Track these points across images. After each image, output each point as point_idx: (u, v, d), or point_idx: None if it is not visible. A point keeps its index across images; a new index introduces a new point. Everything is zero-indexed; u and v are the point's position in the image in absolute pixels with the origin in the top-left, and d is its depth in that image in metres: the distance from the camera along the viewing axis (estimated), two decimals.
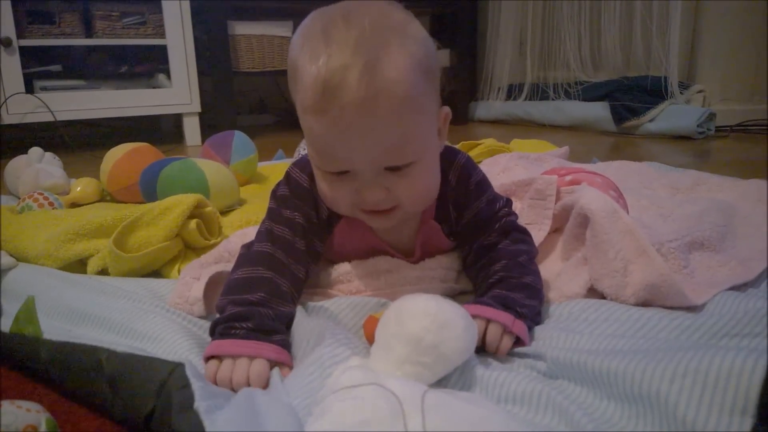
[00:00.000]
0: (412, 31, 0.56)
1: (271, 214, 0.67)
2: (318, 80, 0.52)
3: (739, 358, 0.40)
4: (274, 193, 0.69)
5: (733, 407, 0.39)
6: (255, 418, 0.42)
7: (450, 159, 0.67)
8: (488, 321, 0.56)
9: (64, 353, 0.52)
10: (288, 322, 0.61)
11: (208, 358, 0.55)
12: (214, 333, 0.58)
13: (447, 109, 0.63)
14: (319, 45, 0.53)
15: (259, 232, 0.67)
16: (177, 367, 0.46)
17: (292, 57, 0.57)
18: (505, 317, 0.56)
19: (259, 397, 0.47)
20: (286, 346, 0.57)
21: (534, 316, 0.61)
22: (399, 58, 0.53)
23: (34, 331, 0.62)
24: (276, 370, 0.54)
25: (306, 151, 0.65)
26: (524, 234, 0.69)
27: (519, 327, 0.57)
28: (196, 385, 0.44)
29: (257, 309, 0.58)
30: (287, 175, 0.68)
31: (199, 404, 0.42)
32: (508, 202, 0.72)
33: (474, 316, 0.54)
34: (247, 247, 0.66)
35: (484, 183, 0.69)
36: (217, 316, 0.60)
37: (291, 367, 0.55)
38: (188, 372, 0.46)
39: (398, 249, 0.70)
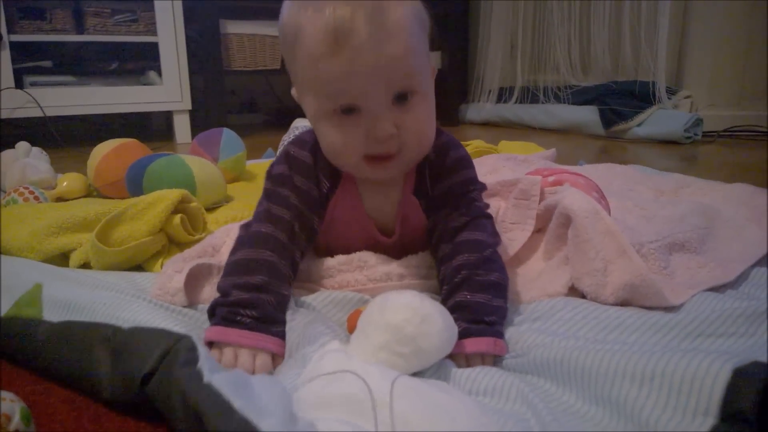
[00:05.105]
0: None
1: (268, 195, 0.68)
2: (329, 28, 0.55)
3: (706, 362, 0.41)
4: (269, 173, 0.69)
5: (696, 409, 0.40)
6: (249, 385, 0.43)
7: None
8: (467, 356, 0.56)
9: (65, 331, 0.53)
10: (286, 307, 0.62)
11: (209, 343, 0.57)
12: (213, 314, 0.59)
13: (434, 66, 0.66)
14: (321, 2, 0.56)
15: (257, 213, 0.67)
16: (184, 336, 0.47)
17: (292, 19, 0.59)
18: (486, 343, 0.56)
19: (255, 378, 0.48)
20: (284, 337, 0.59)
21: (502, 318, 0.61)
22: (398, 5, 0.58)
23: (35, 314, 0.63)
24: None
25: (299, 131, 0.66)
26: (490, 221, 0.69)
27: (499, 347, 0.57)
28: (202, 351, 0.45)
29: (261, 296, 0.59)
30: (286, 153, 0.69)
31: (203, 363, 0.43)
32: (482, 187, 0.72)
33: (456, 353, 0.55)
34: (245, 227, 0.67)
35: (463, 161, 0.70)
36: (218, 295, 0.60)
37: (284, 359, 0.57)
38: (194, 339, 0.46)
39: (380, 225, 0.71)
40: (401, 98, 0.60)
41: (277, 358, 0.57)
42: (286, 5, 0.61)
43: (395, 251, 0.72)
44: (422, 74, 0.61)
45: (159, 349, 0.45)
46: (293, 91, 0.66)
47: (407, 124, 0.60)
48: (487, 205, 0.71)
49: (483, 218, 0.68)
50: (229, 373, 0.43)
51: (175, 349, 0.44)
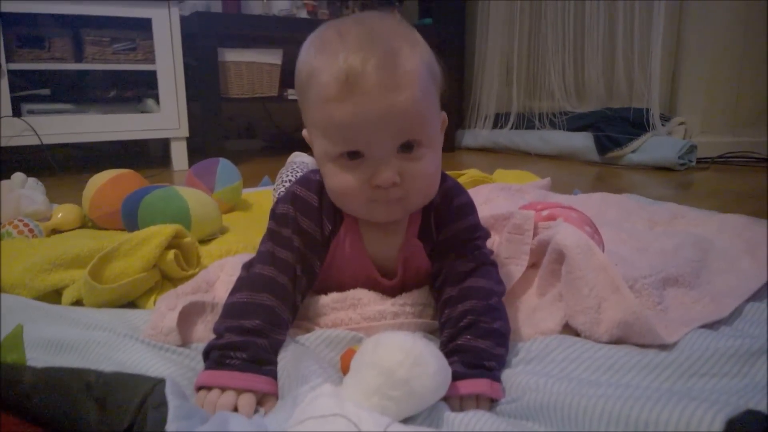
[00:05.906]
0: (419, 39, 0.63)
1: (272, 236, 0.68)
2: (341, 71, 0.56)
3: (699, 411, 0.41)
4: (273, 211, 0.69)
5: None
6: None
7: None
8: (462, 398, 0.55)
9: (50, 377, 0.52)
10: (278, 350, 0.61)
11: (199, 388, 0.56)
12: (207, 357, 0.59)
13: (444, 114, 0.67)
14: (337, 45, 0.58)
15: (260, 253, 0.67)
16: (158, 384, 0.46)
17: (306, 62, 0.61)
18: (483, 385, 0.56)
19: (233, 419, 0.48)
20: (275, 376, 0.58)
21: (501, 365, 0.60)
22: (410, 54, 0.59)
23: (19, 359, 0.62)
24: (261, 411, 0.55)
25: (296, 165, 0.66)
26: (495, 268, 0.69)
27: (496, 391, 0.56)
28: (172, 404, 0.44)
29: (253, 339, 0.59)
30: (292, 194, 0.69)
31: (170, 425, 0.42)
32: (486, 234, 0.72)
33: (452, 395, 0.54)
34: (247, 267, 0.67)
35: (467, 207, 0.70)
36: (213, 337, 0.60)
37: (277, 397, 0.57)
38: (167, 389, 0.46)
39: (382, 268, 0.71)
40: (407, 147, 0.60)
41: (269, 397, 0.56)
42: (304, 47, 0.63)
43: (395, 293, 0.72)
44: (430, 125, 0.62)
45: (137, 398, 0.45)
46: (304, 133, 0.67)
47: (411, 173, 0.61)
48: (492, 252, 0.71)
49: (489, 265, 0.68)
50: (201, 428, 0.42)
51: (145, 408, 0.44)
